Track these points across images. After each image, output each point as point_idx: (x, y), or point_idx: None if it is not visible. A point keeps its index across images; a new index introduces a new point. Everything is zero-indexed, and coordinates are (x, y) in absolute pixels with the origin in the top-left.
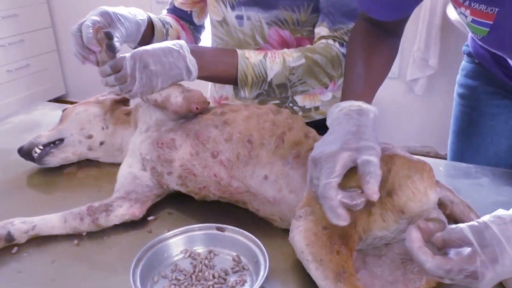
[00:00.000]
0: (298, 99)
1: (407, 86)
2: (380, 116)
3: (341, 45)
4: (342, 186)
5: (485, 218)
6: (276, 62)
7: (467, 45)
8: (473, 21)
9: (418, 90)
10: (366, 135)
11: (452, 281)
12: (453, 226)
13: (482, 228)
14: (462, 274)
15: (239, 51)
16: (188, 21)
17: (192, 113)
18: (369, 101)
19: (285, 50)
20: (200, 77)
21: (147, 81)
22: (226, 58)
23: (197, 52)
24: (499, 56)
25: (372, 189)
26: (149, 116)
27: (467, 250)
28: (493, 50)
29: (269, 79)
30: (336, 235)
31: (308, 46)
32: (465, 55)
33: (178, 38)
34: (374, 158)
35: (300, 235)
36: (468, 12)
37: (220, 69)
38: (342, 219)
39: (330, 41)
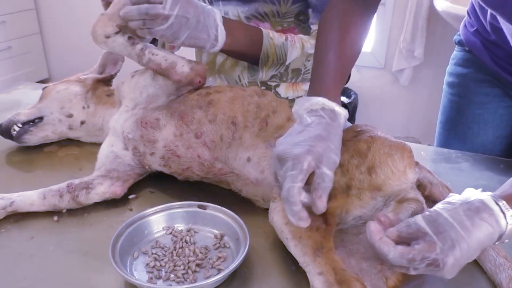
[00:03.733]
0: (281, 90)
1: (392, 77)
2: (365, 106)
3: None
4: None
5: (437, 206)
6: (295, 46)
7: (459, 35)
8: None
9: (404, 81)
10: (333, 144)
11: (416, 270)
12: (408, 220)
13: (434, 216)
14: (424, 263)
15: (264, 31)
16: None
17: (193, 86)
18: (338, 94)
19: (302, 36)
20: (223, 50)
21: (176, 29)
22: (252, 36)
23: (227, 26)
24: (490, 44)
25: (322, 205)
26: (139, 93)
27: (426, 239)
28: (492, 11)
29: (287, 62)
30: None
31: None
32: (456, 45)
33: None
34: (331, 172)
35: (279, 215)
36: None
37: (244, 46)
38: (303, 222)
39: None
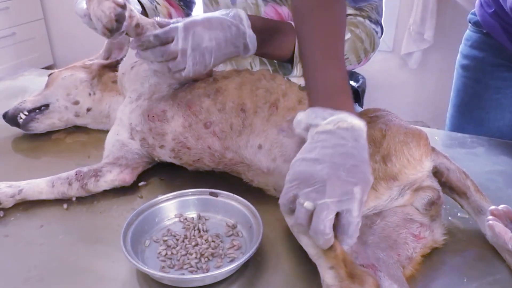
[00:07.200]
0: (293, 78)
1: (401, 60)
2: (373, 90)
3: (371, 21)
4: None
5: None
6: None
7: (474, 14)
8: None
9: (413, 64)
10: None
11: None
12: None
13: None
14: None
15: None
16: None
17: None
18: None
19: None
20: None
21: (200, 59)
22: (283, 35)
23: (257, 28)
24: (510, 26)
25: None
26: (140, 84)
27: None
28: None
29: None
30: None
31: (349, 19)
32: (470, 24)
33: (169, 15)
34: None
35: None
36: None
37: (277, 47)
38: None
39: (360, 19)
